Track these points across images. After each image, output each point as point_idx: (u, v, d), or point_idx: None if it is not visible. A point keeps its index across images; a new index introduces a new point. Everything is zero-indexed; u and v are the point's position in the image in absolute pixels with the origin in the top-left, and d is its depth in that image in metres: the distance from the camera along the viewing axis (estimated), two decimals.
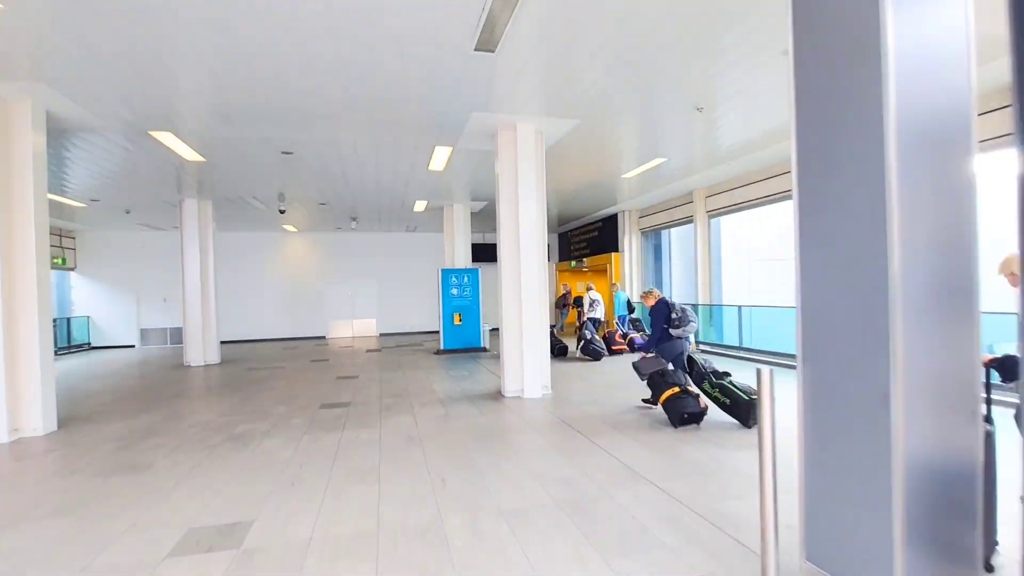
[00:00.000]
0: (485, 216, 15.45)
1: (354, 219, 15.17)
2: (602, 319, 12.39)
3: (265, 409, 6.91)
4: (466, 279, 12.92)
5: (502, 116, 6.82)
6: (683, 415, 5.38)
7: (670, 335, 6.22)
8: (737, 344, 10.63)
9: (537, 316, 7.28)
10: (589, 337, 10.93)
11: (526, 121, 7.04)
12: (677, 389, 5.54)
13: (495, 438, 5.28)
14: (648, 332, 10.47)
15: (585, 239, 17.78)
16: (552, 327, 12.20)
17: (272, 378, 9.62)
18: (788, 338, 9.83)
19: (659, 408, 5.83)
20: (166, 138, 7.27)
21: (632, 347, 11.59)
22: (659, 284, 14.99)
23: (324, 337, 18.08)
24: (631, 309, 13.47)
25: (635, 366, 6.43)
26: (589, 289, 13.11)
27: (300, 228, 16.97)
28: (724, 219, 12.48)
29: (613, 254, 15.54)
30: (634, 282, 15.22)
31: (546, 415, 6.20)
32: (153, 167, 8.94)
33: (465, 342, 12.85)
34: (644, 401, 6.42)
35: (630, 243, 15.19)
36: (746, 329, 10.65)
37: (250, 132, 7.28)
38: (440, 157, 8.87)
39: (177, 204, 11.92)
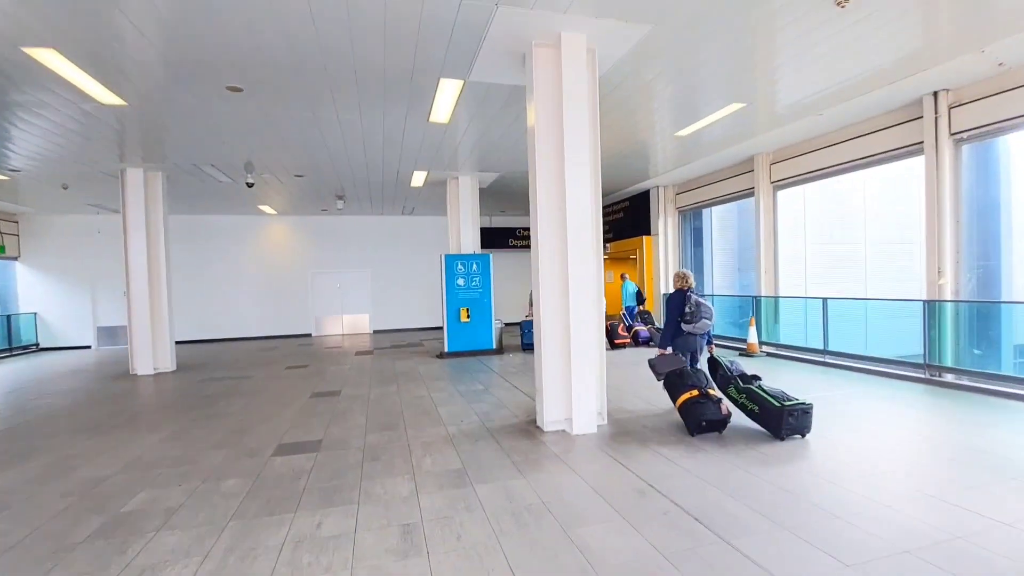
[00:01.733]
0: (495, 194, 13.21)
1: (340, 198, 12.91)
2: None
3: (194, 455, 4.72)
4: (475, 267, 10.71)
5: (539, 18, 4.56)
6: (701, 422, 4.76)
7: (681, 330, 5.68)
8: (820, 347, 8.43)
9: (592, 318, 5.09)
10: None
11: (575, 29, 4.78)
12: (696, 392, 4.90)
13: (555, 539, 3.08)
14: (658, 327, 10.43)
15: (608, 222, 15.53)
16: None
17: (229, 395, 7.43)
18: (899, 340, 7.65)
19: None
20: (49, 59, 5.00)
21: (637, 340, 11.10)
22: (699, 273, 12.80)
23: (310, 335, 15.88)
24: (640, 300, 12.63)
25: (651, 364, 5.55)
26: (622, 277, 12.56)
27: (280, 210, 14.70)
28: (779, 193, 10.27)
29: (644, 238, 13.32)
30: (669, 271, 13.01)
31: (622, 476, 3.99)
32: (61, 118, 6.69)
33: (474, 342, 10.66)
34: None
35: (665, 225, 12.97)
36: (835, 328, 8.43)
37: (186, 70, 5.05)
38: (445, 100, 6.62)
39: (118, 175, 9.65)
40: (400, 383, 7.88)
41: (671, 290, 5.97)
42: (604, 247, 14.78)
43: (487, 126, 7.83)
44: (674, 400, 5.10)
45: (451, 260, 10.58)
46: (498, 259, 12.24)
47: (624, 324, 11.44)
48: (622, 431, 5.02)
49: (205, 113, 6.86)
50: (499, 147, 8.98)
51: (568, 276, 4.99)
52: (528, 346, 11.62)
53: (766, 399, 4.70)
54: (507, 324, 12.45)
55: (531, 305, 13.91)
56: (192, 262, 14.93)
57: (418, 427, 5.40)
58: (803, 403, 4.59)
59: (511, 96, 6.64)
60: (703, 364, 5.66)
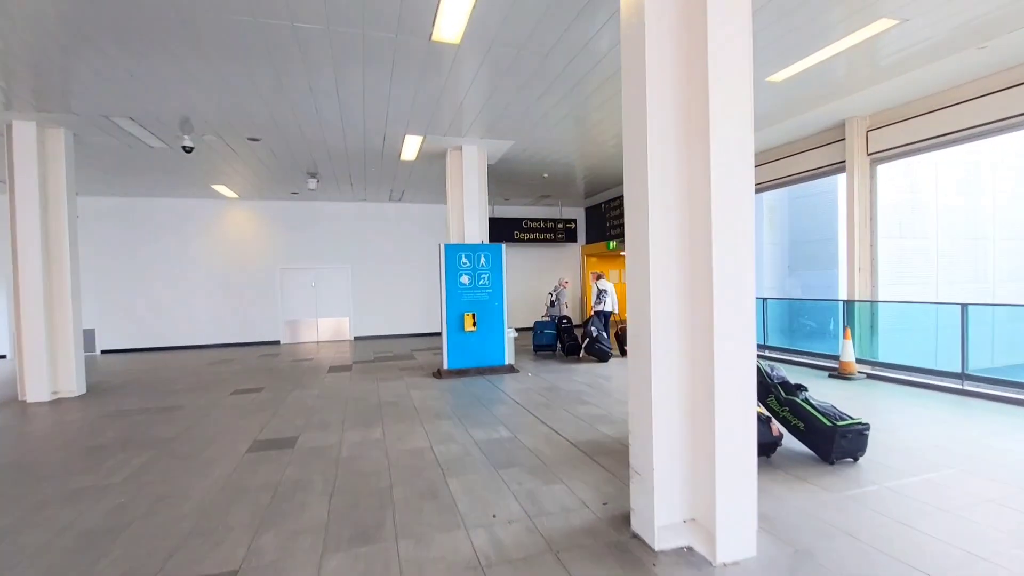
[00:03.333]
0: (498, 177, 10.90)
1: (313, 176, 10.48)
2: (613, 312, 10.35)
3: None
4: (483, 260, 8.36)
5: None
6: None
7: None
8: (958, 370, 6.25)
9: (746, 347, 2.78)
10: (595, 334, 9.42)
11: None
12: None
13: None
14: None
15: (618, 216, 13.28)
16: (565, 320, 10.46)
17: (132, 443, 4.99)
18: None
19: None
20: None
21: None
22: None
23: (278, 343, 13.38)
24: None
25: None
26: (599, 278, 10.69)
27: (241, 192, 12.20)
28: (840, 177, 8.17)
29: None
30: None
31: None
32: None
33: (481, 357, 8.32)
34: None
35: None
36: (976, 345, 6.25)
37: None
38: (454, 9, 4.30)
39: (3, 131, 7.14)
40: (386, 423, 5.50)
41: None
42: (610, 244, 12.40)
43: (514, 61, 5.51)
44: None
45: (453, 252, 8.22)
46: (511, 253, 9.94)
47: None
48: (803, 553, 2.74)
49: (117, 41, 4.43)
50: (520, 101, 6.67)
51: (712, 279, 2.69)
52: (541, 348, 10.54)
53: (814, 415, 4.06)
54: (518, 330, 10.14)
55: (550, 305, 11.76)
56: (129, 255, 12.34)
57: (419, 532, 3.04)
58: (859, 422, 3.98)
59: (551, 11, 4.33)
60: None
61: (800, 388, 4.42)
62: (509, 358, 8.54)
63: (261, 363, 10.05)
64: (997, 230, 12.40)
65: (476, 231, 8.59)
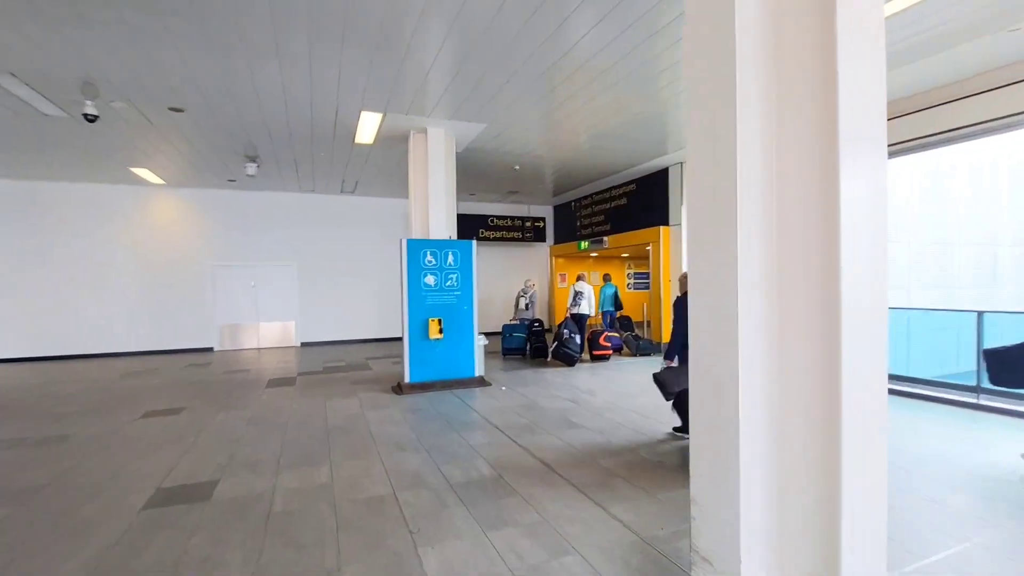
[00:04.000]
0: (464, 169, 9.90)
1: (252, 160, 9.13)
2: (589, 314, 10.00)
3: None
4: (450, 259, 7.34)
5: None
6: None
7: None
8: (973, 383, 5.76)
9: (879, 356, 1.95)
10: (566, 336, 9.03)
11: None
12: None
13: None
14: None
15: (604, 210, 12.58)
16: (537, 323, 10.30)
17: None
18: None
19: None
20: None
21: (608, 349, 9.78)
22: None
23: (211, 349, 11.82)
24: (618, 306, 11.81)
25: (658, 380, 4.46)
26: (579, 279, 10.43)
27: (168, 178, 10.64)
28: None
29: (661, 229, 10.43)
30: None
31: None
32: None
33: (448, 368, 7.29)
34: (675, 430, 4.88)
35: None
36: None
37: None
38: None
39: None
40: (335, 458, 4.41)
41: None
42: (601, 241, 11.70)
43: (496, 14, 4.55)
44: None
45: (416, 249, 7.15)
46: (483, 253, 8.94)
47: (606, 332, 9.92)
48: None
49: None
50: (500, 71, 5.71)
51: (840, 288, 1.84)
52: (510, 352, 10.29)
53: None
54: (489, 334, 9.17)
55: (523, 308, 10.68)
56: (31, 248, 10.53)
57: None
58: None
59: None
60: None
61: None
62: (479, 369, 7.55)
63: (187, 375, 8.61)
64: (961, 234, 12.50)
65: (443, 225, 7.55)
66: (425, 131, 7.54)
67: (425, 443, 4.76)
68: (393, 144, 8.33)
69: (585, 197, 13.36)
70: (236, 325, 12.08)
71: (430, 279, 7.19)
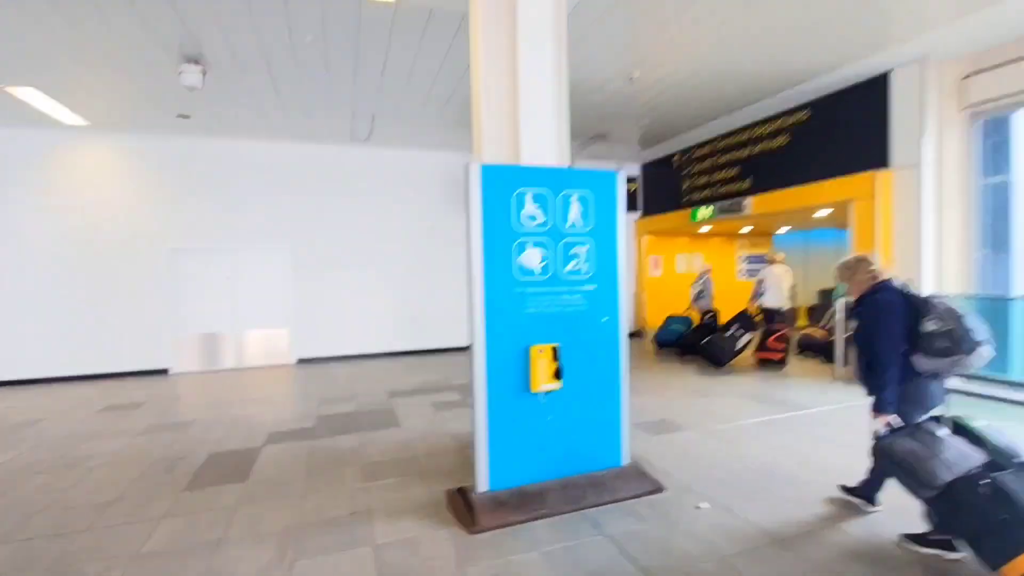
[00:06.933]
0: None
1: (194, 62, 5.27)
2: (779, 308, 7.63)
3: None
4: (575, 210, 3.32)
5: None
6: None
7: (915, 369, 2.63)
8: None
9: None
10: (733, 332, 7.13)
11: None
12: None
13: None
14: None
15: (738, 160, 8.42)
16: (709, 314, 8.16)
17: None
18: None
19: None
20: None
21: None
22: (1001, 251, 5.98)
23: (165, 372, 8.10)
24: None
25: (886, 450, 2.54)
26: (774, 263, 7.76)
27: (91, 115, 6.91)
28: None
29: (875, 175, 6.25)
30: (945, 239, 6.07)
31: None
32: None
33: (570, 454, 3.31)
34: (921, 542, 2.61)
35: (937, 143, 5.98)
36: None
37: None
38: None
39: None
40: None
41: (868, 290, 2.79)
42: (738, 205, 7.79)
43: None
44: (997, 559, 2.12)
45: (502, 188, 3.13)
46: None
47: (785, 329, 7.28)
48: None
49: None
50: None
51: None
52: (664, 344, 8.33)
53: None
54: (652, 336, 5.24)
55: (696, 298, 8.33)
56: None
57: None
58: None
59: None
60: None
61: None
62: (629, 447, 3.54)
63: (107, 426, 4.83)
64: None
65: (551, 141, 3.52)
66: None
67: None
68: (436, 24, 4.36)
69: (702, 144, 9.19)
70: (204, 335, 8.33)
71: (532, 256, 3.20)
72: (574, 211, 3.30)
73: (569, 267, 3.29)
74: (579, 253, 3.32)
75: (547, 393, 3.19)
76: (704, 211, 8.94)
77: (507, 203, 3.13)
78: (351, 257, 8.89)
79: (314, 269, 8.72)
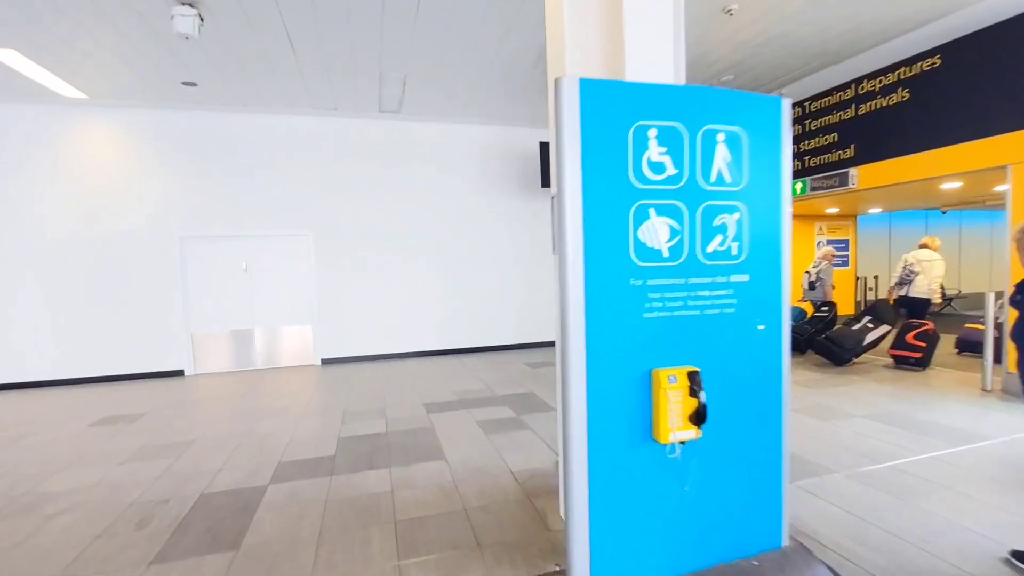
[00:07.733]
0: None
1: (192, 7, 4.28)
2: (929, 299, 6.42)
3: None
4: (722, 156, 2.14)
5: None
6: None
7: None
8: None
9: None
10: (861, 325, 6.30)
11: None
12: None
13: None
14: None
15: (838, 123, 7.01)
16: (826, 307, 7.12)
17: None
18: None
19: None
20: None
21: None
22: None
23: (181, 373, 7.28)
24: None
25: None
26: (925, 247, 6.53)
27: (88, 87, 6.05)
28: None
29: None
30: None
31: None
32: None
33: (711, 533, 2.16)
34: None
35: None
36: None
37: None
38: None
39: None
40: None
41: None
42: (841, 175, 6.54)
43: None
44: None
45: (616, 111, 1.98)
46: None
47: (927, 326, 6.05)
48: None
49: None
50: None
51: None
52: None
53: None
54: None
55: (810, 287, 7.34)
56: None
57: None
58: None
59: None
60: None
61: None
62: (787, 524, 2.38)
63: (20, 488, 3.97)
64: None
65: (666, 55, 2.35)
66: None
67: None
68: None
69: (794, 105, 7.76)
70: (221, 333, 7.48)
71: (658, 229, 2.04)
72: (720, 158, 2.12)
73: (712, 245, 2.12)
74: (726, 224, 2.14)
75: (684, 439, 2.05)
76: (799, 185, 7.55)
77: (621, 144, 1.97)
78: (381, 242, 7.89)
79: (340, 257, 7.75)
